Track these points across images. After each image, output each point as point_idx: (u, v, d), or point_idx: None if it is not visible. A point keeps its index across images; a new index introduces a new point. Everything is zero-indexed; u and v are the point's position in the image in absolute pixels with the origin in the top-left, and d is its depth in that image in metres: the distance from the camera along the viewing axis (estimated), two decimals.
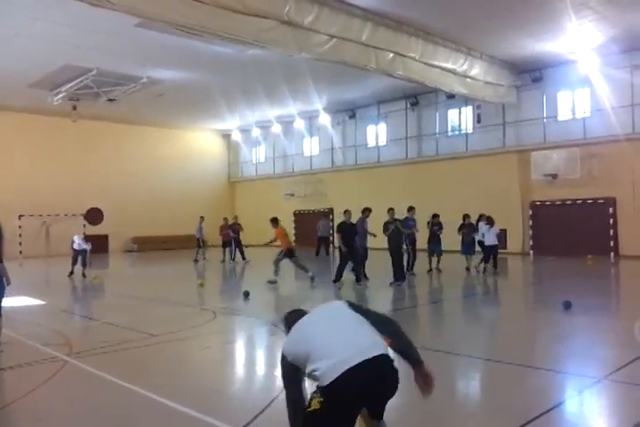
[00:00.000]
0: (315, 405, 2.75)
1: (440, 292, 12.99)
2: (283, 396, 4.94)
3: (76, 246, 15.84)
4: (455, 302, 11.04)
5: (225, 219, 21.80)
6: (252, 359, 6.77)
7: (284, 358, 3.20)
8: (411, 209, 15.03)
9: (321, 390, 2.77)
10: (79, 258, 15.84)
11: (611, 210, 19.27)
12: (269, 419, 4.40)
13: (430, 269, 15.40)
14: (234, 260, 20.61)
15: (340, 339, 2.91)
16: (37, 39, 15.80)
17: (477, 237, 15.64)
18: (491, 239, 15.27)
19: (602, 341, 7.21)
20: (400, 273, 12.87)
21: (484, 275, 14.81)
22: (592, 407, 4.80)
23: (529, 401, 4.73)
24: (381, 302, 11.17)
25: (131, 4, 10.20)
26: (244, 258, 20.41)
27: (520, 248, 21.17)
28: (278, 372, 5.88)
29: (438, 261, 15.58)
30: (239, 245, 20.93)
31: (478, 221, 15.93)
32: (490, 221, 15.51)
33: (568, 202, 20.37)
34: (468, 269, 15.54)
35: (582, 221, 19.70)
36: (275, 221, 14.66)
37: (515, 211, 21.24)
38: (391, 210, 13.55)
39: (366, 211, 13.63)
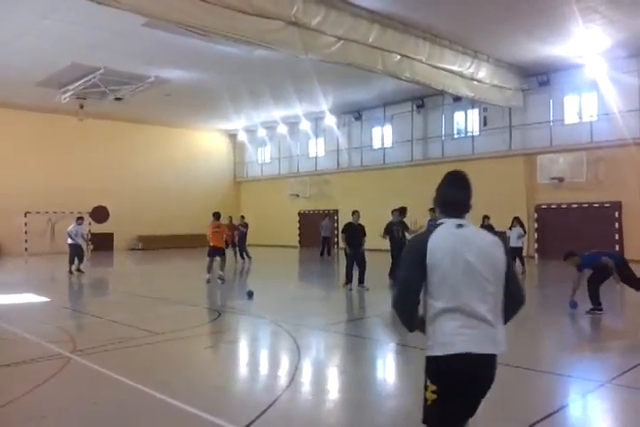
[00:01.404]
0: (430, 396, 2.70)
1: None
2: (286, 395, 4.96)
3: (69, 241, 15.86)
4: None
5: (230, 218, 21.64)
6: (256, 359, 6.78)
7: (421, 249, 2.63)
8: (431, 210, 15.26)
9: (431, 368, 2.69)
10: (75, 255, 15.94)
11: (616, 214, 19.21)
12: (272, 418, 4.41)
13: None
14: (243, 259, 20.53)
15: (473, 307, 2.57)
16: (45, 38, 15.88)
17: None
18: (512, 241, 15.47)
19: (606, 344, 7.19)
20: None
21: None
22: (595, 411, 4.78)
23: (532, 404, 4.72)
24: (384, 303, 11.16)
25: (137, 4, 10.23)
26: (243, 257, 20.42)
27: (525, 251, 21.10)
28: (282, 371, 5.93)
29: None
30: (244, 245, 20.88)
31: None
32: (514, 223, 15.81)
33: (574, 206, 20.32)
34: None
35: (588, 225, 19.64)
36: (216, 215, 14.68)
37: (520, 214, 21.09)
38: (396, 211, 13.48)
39: (402, 211, 13.49)
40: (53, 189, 25.69)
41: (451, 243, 2.61)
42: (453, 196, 2.83)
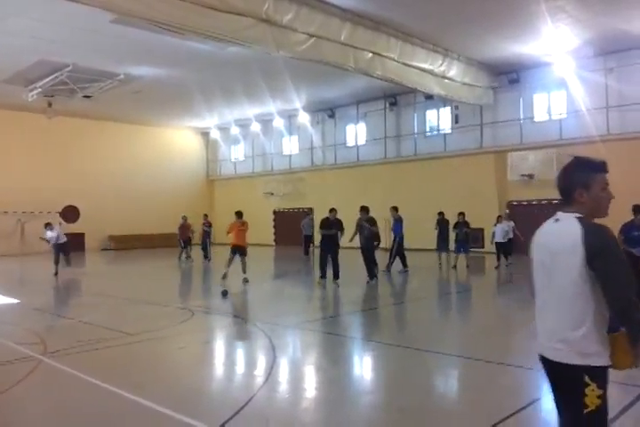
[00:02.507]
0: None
1: (418, 290, 13.05)
2: (261, 394, 4.95)
3: (54, 240, 15.52)
4: (431, 300, 11.14)
5: (184, 218, 21.08)
6: (231, 358, 6.75)
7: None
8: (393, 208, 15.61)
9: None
10: (61, 253, 15.63)
11: None
12: (248, 417, 4.40)
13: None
14: (208, 258, 20.30)
15: (547, 308, 2.56)
16: (11, 34, 15.52)
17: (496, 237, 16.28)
18: (498, 236, 15.98)
19: None
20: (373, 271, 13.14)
21: (498, 271, 15.66)
22: None
23: (504, 398, 4.79)
24: (359, 300, 11.22)
25: (106, 0, 10.08)
26: (207, 256, 20.26)
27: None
28: (257, 370, 5.91)
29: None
30: (207, 243, 20.69)
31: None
32: (498, 219, 16.49)
33: (544, 202, 20.66)
34: (454, 267, 16.11)
35: None
36: (238, 214, 13.94)
37: (492, 211, 21.41)
38: (364, 209, 13.56)
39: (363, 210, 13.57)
40: (22, 189, 25.15)
41: (538, 239, 2.65)
42: (556, 182, 2.70)
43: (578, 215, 2.50)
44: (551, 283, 2.50)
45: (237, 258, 13.42)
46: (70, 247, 16.12)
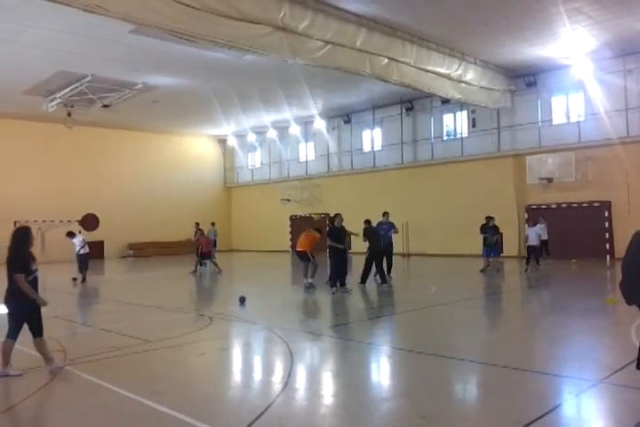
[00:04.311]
0: None
1: (435, 296, 12.94)
2: (279, 401, 4.93)
3: (82, 251, 15.65)
4: (450, 305, 11.02)
5: (196, 224, 20.65)
6: (249, 365, 6.74)
7: None
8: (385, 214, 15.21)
9: None
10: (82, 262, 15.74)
11: (606, 213, 19.33)
12: (267, 424, 4.38)
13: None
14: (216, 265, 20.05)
15: None
16: (31, 46, 15.81)
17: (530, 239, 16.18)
18: (531, 239, 15.91)
19: (598, 344, 7.21)
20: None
21: (527, 274, 15.52)
22: (589, 411, 4.78)
23: (525, 405, 4.71)
24: (376, 306, 11.16)
25: (124, 11, 10.22)
26: (201, 265, 19.95)
27: (516, 252, 21.19)
28: (275, 377, 5.90)
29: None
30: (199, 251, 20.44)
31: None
32: (527, 222, 16.92)
33: (563, 205, 20.43)
34: (482, 270, 16.09)
35: (578, 225, 19.75)
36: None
37: (510, 214, 21.29)
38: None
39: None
40: (42, 198, 25.56)
41: None
42: None
43: None
44: None
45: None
46: (88, 261, 16.09)
